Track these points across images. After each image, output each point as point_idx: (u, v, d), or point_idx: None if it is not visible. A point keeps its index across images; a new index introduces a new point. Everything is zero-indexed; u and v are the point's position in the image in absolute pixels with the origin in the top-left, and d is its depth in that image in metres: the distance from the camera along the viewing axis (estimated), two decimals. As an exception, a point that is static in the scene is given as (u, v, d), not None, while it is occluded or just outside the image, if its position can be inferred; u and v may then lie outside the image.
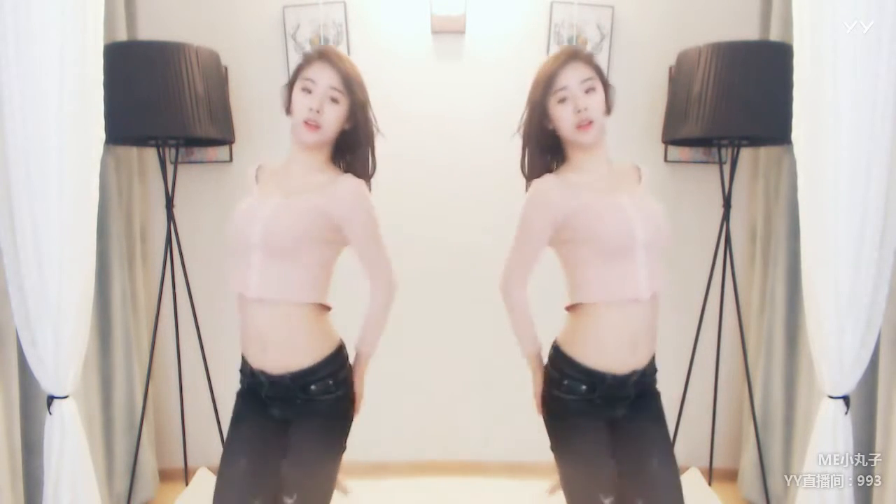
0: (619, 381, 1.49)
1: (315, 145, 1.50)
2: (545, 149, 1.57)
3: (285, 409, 1.50)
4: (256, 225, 1.44)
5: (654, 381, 1.60)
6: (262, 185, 1.58)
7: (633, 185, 1.57)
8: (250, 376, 1.54)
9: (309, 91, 1.46)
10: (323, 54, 1.49)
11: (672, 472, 1.47)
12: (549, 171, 1.58)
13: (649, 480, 1.45)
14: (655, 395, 1.60)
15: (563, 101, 1.48)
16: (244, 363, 1.56)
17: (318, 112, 1.46)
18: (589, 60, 1.51)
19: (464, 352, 2.76)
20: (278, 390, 1.49)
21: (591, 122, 1.47)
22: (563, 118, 1.49)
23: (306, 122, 1.46)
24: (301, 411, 1.49)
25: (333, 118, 1.48)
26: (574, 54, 1.50)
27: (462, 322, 2.77)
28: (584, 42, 2.61)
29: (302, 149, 1.52)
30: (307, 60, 1.50)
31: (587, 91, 1.47)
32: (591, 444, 1.48)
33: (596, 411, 1.50)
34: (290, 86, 1.51)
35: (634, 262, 1.44)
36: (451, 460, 2.79)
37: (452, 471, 2.75)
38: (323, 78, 1.46)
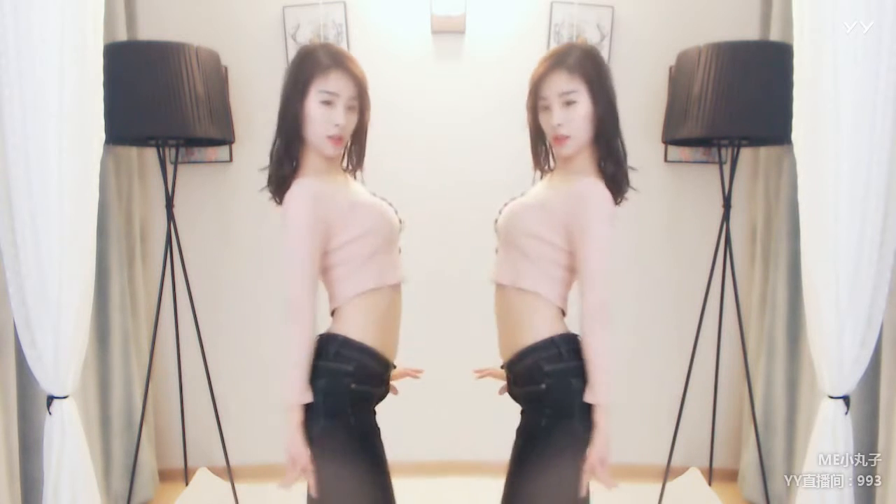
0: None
1: (338, 154, 1.50)
2: (541, 148, 1.55)
3: None
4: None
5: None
6: (339, 193, 1.46)
7: (557, 201, 1.45)
8: None
9: (329, 103, 1.41)
10: (339, 62, 1.42)
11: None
12: (542, 170, 1.58)
13: None
14: None
15: (545, 109, 1.45)
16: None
17: (343, 126, 1.43)
18: (575, 68, 1.40)
19: (464, 352, 2.76)
20: None
21: (566, 138, 1.42)
22: (545, 126, 1.48)
23: (330, 137, 1.43)
24: None
25: (351, 126, 1.47)
26: (559, 61, 1.42)
27: (462, 322, 2.77)
28: (584, 42, 2.60)
29: (324, 158, 1.47)
30: (321, 69, 1.40)
31: (566, 104, 1.41)
32: None
33: None
34: (301, 94, 1.41)
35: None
36: (452, 460, 2.79)
37: (452, 471, 2.75)
38: (345, 90, 1.42)
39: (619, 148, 1.47)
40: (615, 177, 1.45)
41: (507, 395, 1.60)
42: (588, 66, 1.42)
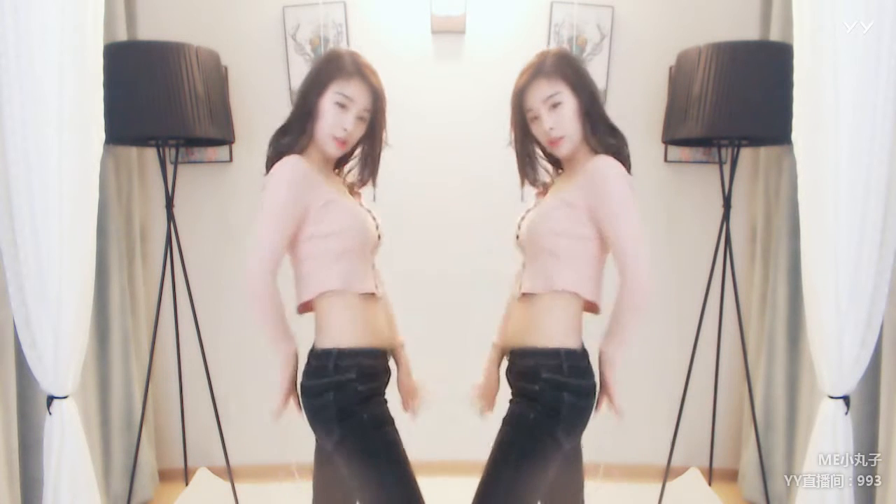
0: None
1: (336, 156, 1.54)
2: (530, 159, 1.58)
3: None
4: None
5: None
6: (324, 185, 1.49)
7: (574, 191, 1.46)
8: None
9: (343, 107, 1.46)
10: (360, 71, 1.47)
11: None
12: (533, 184, 1.59)
13: None
14: None
15: (534, 119, 1.49)
16: None
17: (350, 132, 1.47)
18: (553, 72, 1.45)
19: (466, 350, 2.76)
20: None
21: (560, 138, 1.47)
22: (539, 135, 1.51)
23: (336, 139, 1.47)
24: None
25: (357, 135, 1.51)
26: (537, 71, 1.46)
27: (463, 322, 2.77)
28: (584, 42, 2.61)
29: (323, 156, 1.52)
30: (344, 73, 1.46)
31: (553, 107, 1.46)
32: None
33: None
34: (320, 90, 1.46)
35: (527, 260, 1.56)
36: (452, 460, 2.78)
37: (453, 471, 2.75)
38: (360, 98, 1.47)
39: (611, 130, 1.50)
40: (619, 156, 1.48)
41: (507, 396, 1.60)
42: (564, 66, 1.47)
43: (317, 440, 1.54)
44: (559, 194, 1.49)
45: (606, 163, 1.42)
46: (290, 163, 1.42)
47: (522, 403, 1.47)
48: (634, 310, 1.43)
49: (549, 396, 1.42)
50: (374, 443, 1.44)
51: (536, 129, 1.51)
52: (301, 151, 1.48)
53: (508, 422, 1.48)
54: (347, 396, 1.43)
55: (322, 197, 1.44)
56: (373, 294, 1.51)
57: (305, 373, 1.49)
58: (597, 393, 1.49)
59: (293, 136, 1.49)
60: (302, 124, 1.48)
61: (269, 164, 1.50)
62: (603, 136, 1.48)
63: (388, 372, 1.56)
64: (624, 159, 1.48)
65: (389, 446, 1.45)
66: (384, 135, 1.55)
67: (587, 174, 1.43)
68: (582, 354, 1.48)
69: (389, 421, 1.48)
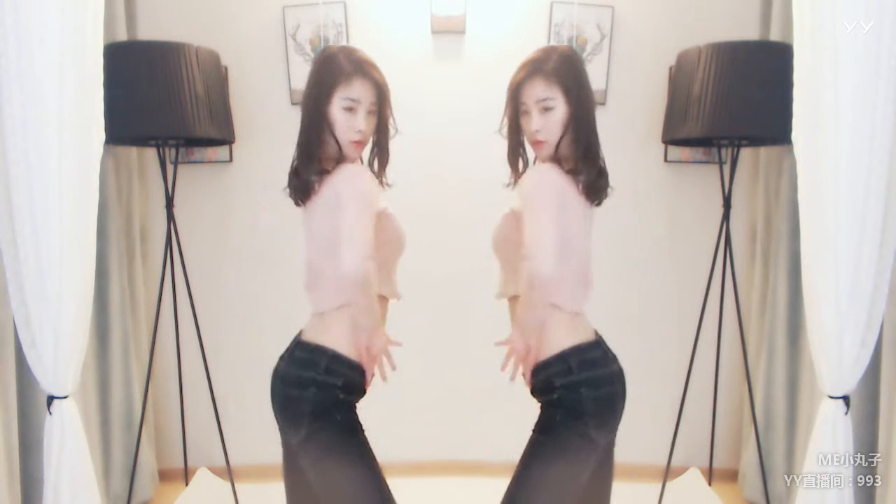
0: None
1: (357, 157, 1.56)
2: (522, 149, 1.59)
3: None
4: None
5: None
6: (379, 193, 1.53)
7: (517, 197, 1.50)
8: None
9: (351, 109, 1.46)
10: (360, 69, 1.45)
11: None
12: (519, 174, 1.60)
13: None
14: None
15: (525, 114, 1.49)
16: None
17: (364, 131, 1.48)
18: (552, 75, 1.43)
19: (464, 352, 2.76)
20: None
21: (542, 142, 1.47)
22: (525, 129, 1.52)
23: (353, 142, 1.48)
24: None
25: (371, 129, 1.52)
26: (537, 68, 1.45)
27: (463, 323, 2.77)
28: (584, 42, 2.61)
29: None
30: (344, 76, 1.44)
31: (544, 110, 1.45)
32: None
33: None
34: (325, 99, 1.45)
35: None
36: (452, 460, 2.78)
37: (452, 471, 2.75)
38: (366, 96, 1.46)
39: (588, 153, 1.47)
40: (591, 175, 1.46)
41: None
42: (565, 71, 1.44)
43: (282, 437, 1.51)
44: (514, 202, 1.51)
45: (535, 168, 1.43)
46: (361, 168, 1.46)
47: (548, 410, 1.47)
48: (530, 288, 1.37)
49: (568, 399, 1.42)
50: (343, 445, 1.43)
51: (525, 125, 1.51)
52: (322, 164, 1.47)
53: (537, 429, 1.48)
54: (328, 399, 1.42)
55: (379, 205, 1.47)
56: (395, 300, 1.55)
57: (288, 360, 1.47)
58: (620, 378, 1.47)
59: (315, 146, 1.47)
60: (319, 135, 1.47)
61: (300, 175, 1.47)
62: (576, 154, 1.46)
63: (363, 392, 1.53)
64: (597, 176, 1.45)
65: (360, 449, 1.45)
66: (391, 123, 1.55)
67: (522, 181, 1.46)
68: (590, 346, 1.46)
69: (361, 428, 1.48)
